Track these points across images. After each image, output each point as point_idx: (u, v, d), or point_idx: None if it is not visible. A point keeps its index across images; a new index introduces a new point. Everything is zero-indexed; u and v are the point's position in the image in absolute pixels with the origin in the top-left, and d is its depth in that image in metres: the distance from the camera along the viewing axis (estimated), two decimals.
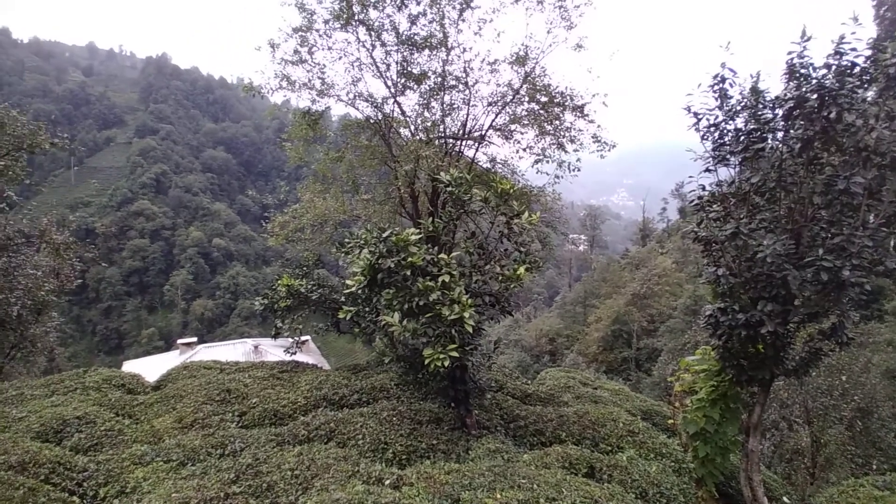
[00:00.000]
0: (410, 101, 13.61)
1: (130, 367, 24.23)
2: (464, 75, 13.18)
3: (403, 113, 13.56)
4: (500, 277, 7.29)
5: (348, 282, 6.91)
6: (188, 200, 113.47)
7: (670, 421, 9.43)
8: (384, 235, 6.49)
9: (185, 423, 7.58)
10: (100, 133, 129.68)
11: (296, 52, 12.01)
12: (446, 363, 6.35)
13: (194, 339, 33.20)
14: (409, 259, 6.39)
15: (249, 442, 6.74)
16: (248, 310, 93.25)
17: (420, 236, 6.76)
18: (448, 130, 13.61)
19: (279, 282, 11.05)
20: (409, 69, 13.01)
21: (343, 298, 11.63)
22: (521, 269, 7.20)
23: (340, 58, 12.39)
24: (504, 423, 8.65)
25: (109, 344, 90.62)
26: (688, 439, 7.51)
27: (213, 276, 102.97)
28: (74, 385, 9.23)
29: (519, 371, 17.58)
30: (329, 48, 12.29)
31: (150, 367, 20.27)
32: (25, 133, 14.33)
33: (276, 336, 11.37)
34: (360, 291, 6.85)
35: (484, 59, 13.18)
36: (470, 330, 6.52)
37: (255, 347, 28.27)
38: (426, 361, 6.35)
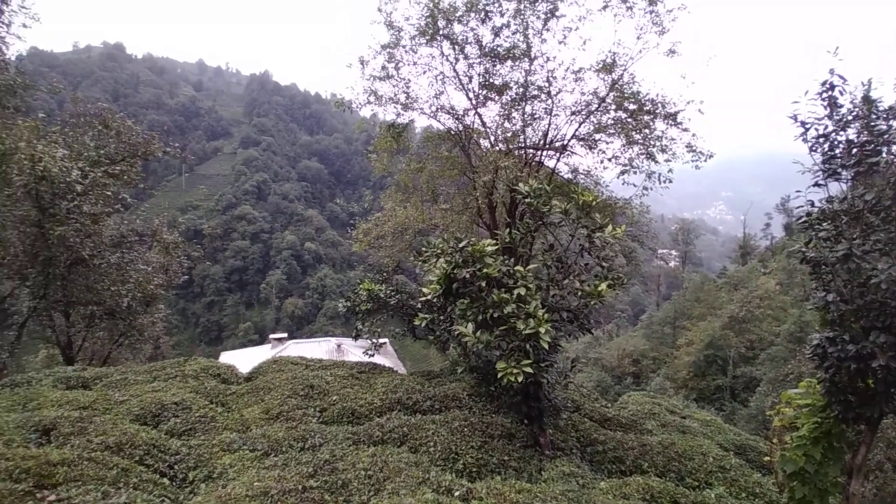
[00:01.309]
0: (491, 112, 13.70)
1: (227, 357, 26.42)
2: (546, 85, 13.02)
3: (484, 124, 13.67)
4: (580, 293, 7.02)
5: (424, 289, 7.03)
6: (284, 206, 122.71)
7: (766, 458, 8.59)
8: (460, 245, 6.52)
9: (271, 415, 8.08)
10: (208, 143, 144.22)
11: (383, 67, 12.59)
12: (520, 378, 6.22)
13: (285, 335, 35.58)
14: (485, 270, 6.36)
15: (328, 438, 7.04)
16: (333, 310, 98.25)
17: (496, 247, 6.72)
18: (528, 141, 13.49)
19: (361, 286, 11.52)
20: (490, 80, 13.11)
21: (419, 305, 11.90)
22: (603, 286, 6.88)
23: (424, 72, 12.80)
24: (580, 446, 8.28)
25: (210, 335, 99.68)
26: (784, 479, 6.78)
27: (303, 276, 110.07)
28: (175, 372, 10.12)
29: (598, 392, 16.84)
30: (414, 63, 12.74)
31: (244, 359, 21.93)
32: (140, 141, 16.26)
33: (356, 337, 11.86)
34: (435, 300, 6.95)
35: (568, 68, 12.96)
36: (545, 346, 6.34)
37: (338, 346, 29.64)
38: (499, 375, 6.26)
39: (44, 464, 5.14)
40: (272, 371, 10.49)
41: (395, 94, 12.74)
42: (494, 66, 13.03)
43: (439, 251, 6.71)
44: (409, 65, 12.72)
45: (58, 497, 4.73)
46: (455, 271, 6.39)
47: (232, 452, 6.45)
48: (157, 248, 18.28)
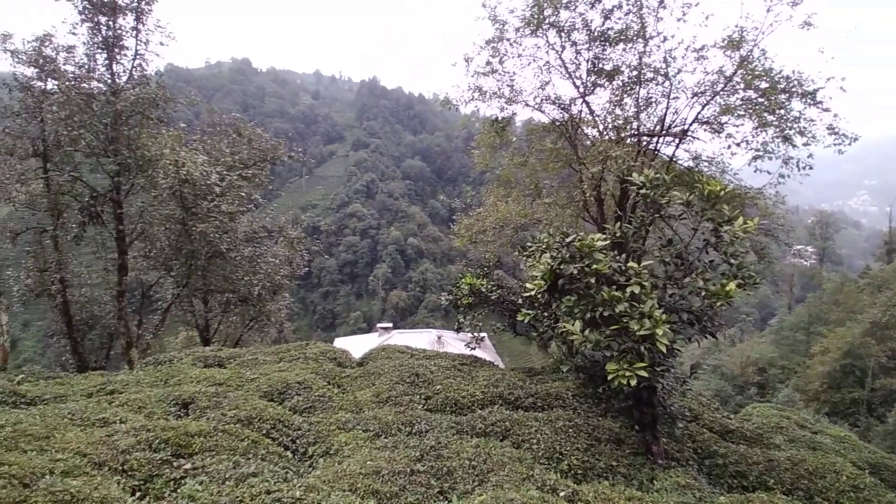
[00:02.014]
0: (600, 99, 13.10)
1: (340, 343, 28.49)
2: (664, 66, 12.11)
3: (592, 112, 13.10)
4: (704, 292, 6.41)
5: (528, 285, 6.90)
6: (390, 204, 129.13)
7: None
8: (567, 240, 6.29)
9: (381, 399, 8.52)
10: (325, 147, 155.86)
11: (488, 63, 12.56)
12: (633, 382, 5.87)
13: (390, 325, 37.53)
14: (594, 266, 6.06)
15: (433, 425, 7.24)
16: (434, 303, 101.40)
17: (606, 242, 6.37)
18: (643, 127, 12.64)
19: (463, 280, 11.69)
20: (600, 66, 12.52)
21: (520, 301, 11.75)
22: (732, 285, 6.20)
23: (529, 63, 12.55)
24: (697, 457, 7.64)
25: (325, 322, 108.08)
26: None
27: (406, 270, 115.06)
28: (297, 355, 11.05)
29: (717, 402, 15.46)
30: (518, 55, 12.56)
31: (354, 345, 23.48)
32: (268, 148, 17.97)
33: (458, 330, 12.07)
34: (539, 296, 6.79)
35: (689, 47, 11.93)
36: (663, 349, 5.91)
37: (439, 338, 30.55)
38: (609, 377, 5.95)
39: (182, 434, 5.64)
40: (381, 358, 11.05)
41: (500, 89, 12.66)
42: (604, 50, 12.42)
43: (545, 246, 6.54)
44: (513, 57, 12.58)
45: (193, 465, 5.10)
46: (562, 267, 6.18)
47: (347, 431, 6.89)
48: (283, 242, 20.17)
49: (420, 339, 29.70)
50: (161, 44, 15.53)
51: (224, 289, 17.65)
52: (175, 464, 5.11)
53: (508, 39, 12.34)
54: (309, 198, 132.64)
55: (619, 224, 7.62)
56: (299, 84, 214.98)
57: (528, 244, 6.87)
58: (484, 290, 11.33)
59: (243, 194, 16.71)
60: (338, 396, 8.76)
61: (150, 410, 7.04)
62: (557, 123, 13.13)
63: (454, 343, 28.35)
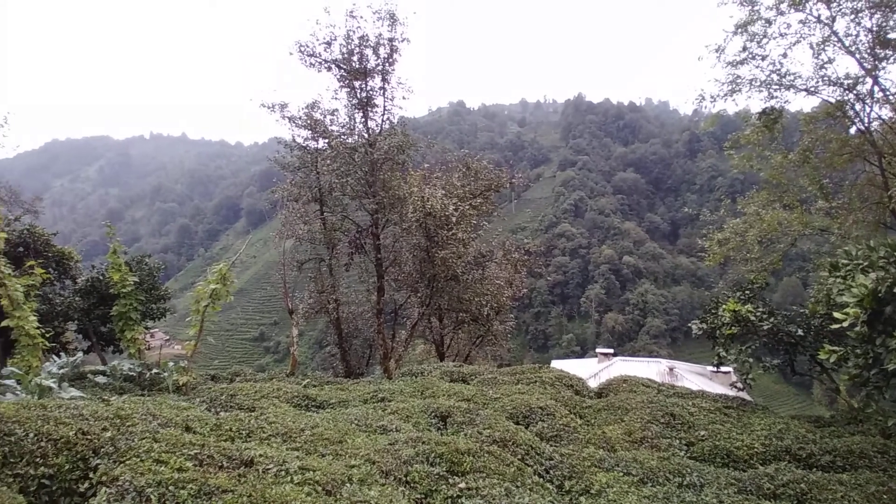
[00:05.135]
0: (890, 74, 10.04)
1: (557, 365, 27.83)
2: None
3: (884, 91, 10.16)
4: None
5: (837, 315, 5.46)
6: (600, 221, 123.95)
7: None
8: None
9: (634, 438, 7.75)
10: (532, 171, 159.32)
11: (744, 48, 10.78)
12: None
13: (611, 351, 35.26)
14: None
15: (708, 479, 6.20)
16: (657, 328, 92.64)
17: None
18: None
19: (724, 306, 9.98)
20: (885, 36, 9.71)
21: (800, 332, 9.46)
22: None
23: (797, 42, 10.35)
24: None
25: (537, 343, 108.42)
26: None
27: (622, 291, 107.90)
28: (532, 378, 10.93)
29: None
30: (781, 35, 10.49)
31: (573, 369, 22.59)
32: (493, 177, 18.93)
33: (718, 365, 10.32)
34: (857, 328, 5.29)
35: None
36: None
37: (671, 370, 27.28)
38: None
39: (453, 451, 5.79)
40: (623, 390, 10.24)
41: (768, 75, 10.67)
42: (888, 16, 9.60)
43: (866, 263, 5.06)
44: (774, 38, 10.55)
45: (467, 485, 5.16)
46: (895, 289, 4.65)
47: (605, 471, 6.38)
48: (505, 264, 20.93)
49: (647, 369, 27.02)
50: (404, 97, 17.98)
51: (458, 308, 19.11)
52: (450, 481, 5.30)
53: (765, 19, 10.42)
54: (518, 220, 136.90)
55: None
56: (506, 115, 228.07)
57: (844, 262, 5.41)
58: (753, 317, 9.45)
59: (473, 222, 17.93)
60: (582, 428, 8.31)
61: (415, 420, 7.67)
62: (842, 108, 10.44)
63: (690, 377, 25.03)
